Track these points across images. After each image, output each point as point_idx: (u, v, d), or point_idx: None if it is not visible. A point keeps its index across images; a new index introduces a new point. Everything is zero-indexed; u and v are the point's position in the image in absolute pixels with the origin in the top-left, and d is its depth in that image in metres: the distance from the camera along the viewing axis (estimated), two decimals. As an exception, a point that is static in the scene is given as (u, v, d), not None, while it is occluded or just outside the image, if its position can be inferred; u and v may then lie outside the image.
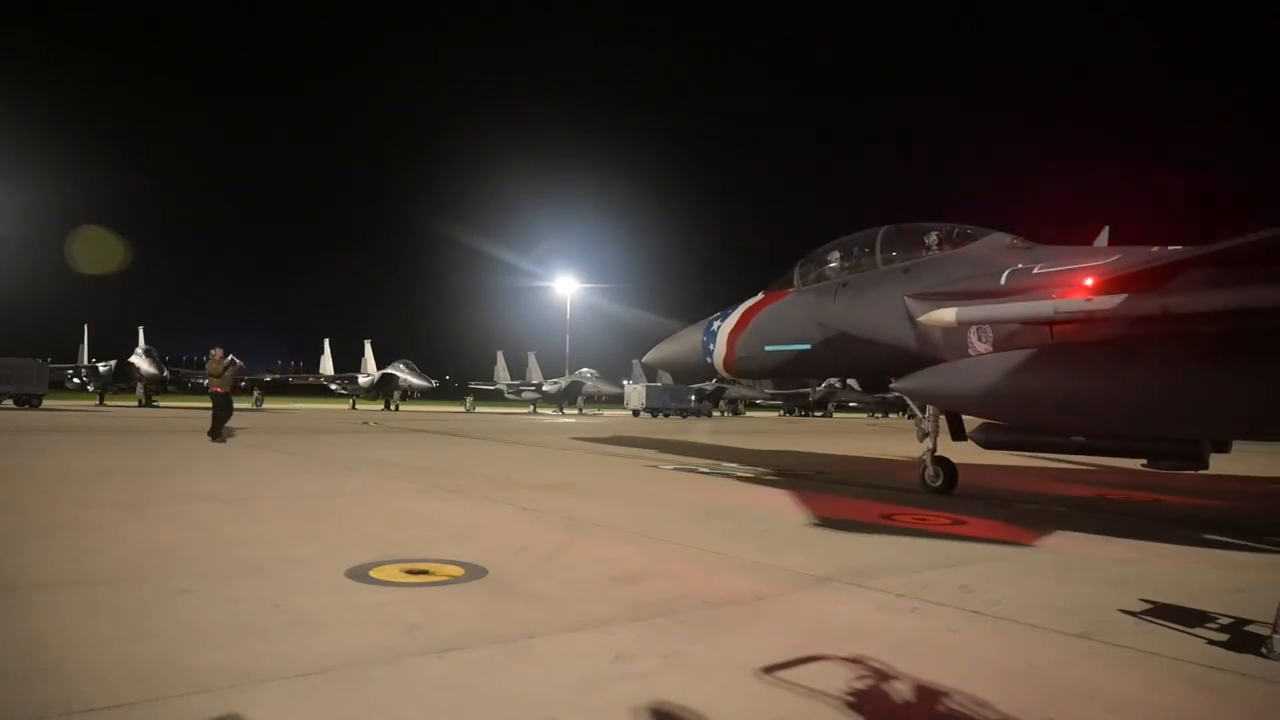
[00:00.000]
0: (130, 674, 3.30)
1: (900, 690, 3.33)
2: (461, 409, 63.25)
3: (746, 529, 7.70)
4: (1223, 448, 8.76)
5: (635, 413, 59.36)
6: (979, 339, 9.22)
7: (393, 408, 62.52)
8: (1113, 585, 5.43)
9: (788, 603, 4.83)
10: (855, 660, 3.66)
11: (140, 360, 55.72)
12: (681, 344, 14.15)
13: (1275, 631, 3.81)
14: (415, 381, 60.60)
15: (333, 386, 71.48)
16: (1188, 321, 7.23)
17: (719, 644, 3.93)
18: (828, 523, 8.33)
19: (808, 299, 11.61)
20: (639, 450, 19.13)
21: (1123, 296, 7.37)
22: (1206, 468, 8.40)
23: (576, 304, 73.30)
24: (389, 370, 62.29)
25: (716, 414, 67.12)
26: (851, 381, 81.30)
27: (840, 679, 3.42)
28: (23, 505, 8.16)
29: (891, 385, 10.04)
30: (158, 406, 50.22)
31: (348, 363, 73.91)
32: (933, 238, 10.73)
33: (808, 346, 11.51)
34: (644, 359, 15.87)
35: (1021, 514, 9.19)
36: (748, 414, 77.49)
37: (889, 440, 28.79)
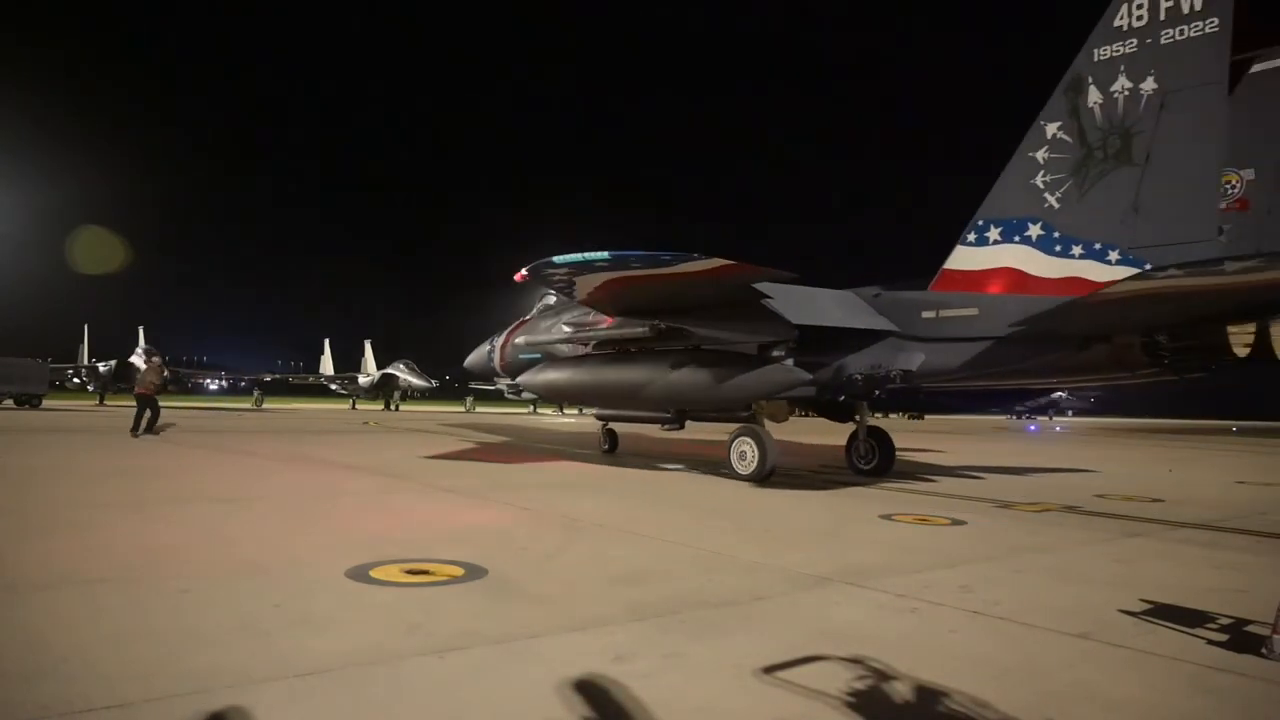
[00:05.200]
0: (130, 674, 3.30)
1: (900, 690, 3.33)
2: (461, 409, 63.23)
3: (745, 529, 7.70)
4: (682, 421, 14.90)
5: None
6: (517, 355, 17.13)
7: (393, 408, 62.55)
8: (1113, 585, 5.43)
9: (787, 603, 4.83)
10: (855, 660, 3.66)
11: (140, 360, 55.73)
12: (479, 353, 19.25)
13: (1275, 632, 3.81)
14: (415, 381, 60.59)
15: (333, 386, 71.50)
16: (640, 342, 13.76)
17: (719, 644, 3.93)
18: (827, 522, 8.34)
19: (529, 325, 17.68)
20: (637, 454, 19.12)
21: (610, 329, 14.18)
22: (683, 427, 14.94)
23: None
24: (389, 370, 62.31)
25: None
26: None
27: (840, 679, 3.42)
28: (23, 505, 8.16)
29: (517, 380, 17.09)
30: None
31: (348, 363, 73.96)
32: (548, 299, 17.55)
33: (537, 355, 16.57)
34: (465, 364, 20.30)
35: (1022, 514, 9.19)
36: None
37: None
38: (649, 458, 16.66)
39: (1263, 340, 9.78)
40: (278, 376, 77.62)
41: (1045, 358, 10.77)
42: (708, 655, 3.75)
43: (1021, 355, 10.81)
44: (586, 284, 11.93)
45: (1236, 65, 11.52)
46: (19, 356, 44.49)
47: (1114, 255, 10.24)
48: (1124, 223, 10.18)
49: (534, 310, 17.79)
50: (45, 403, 44.72)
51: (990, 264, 11.19)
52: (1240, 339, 9.82)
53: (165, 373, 22.36)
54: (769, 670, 3.53)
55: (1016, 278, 10.83)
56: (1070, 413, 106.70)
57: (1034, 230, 10.86)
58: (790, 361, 11.94)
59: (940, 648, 3.94)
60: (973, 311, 11.08)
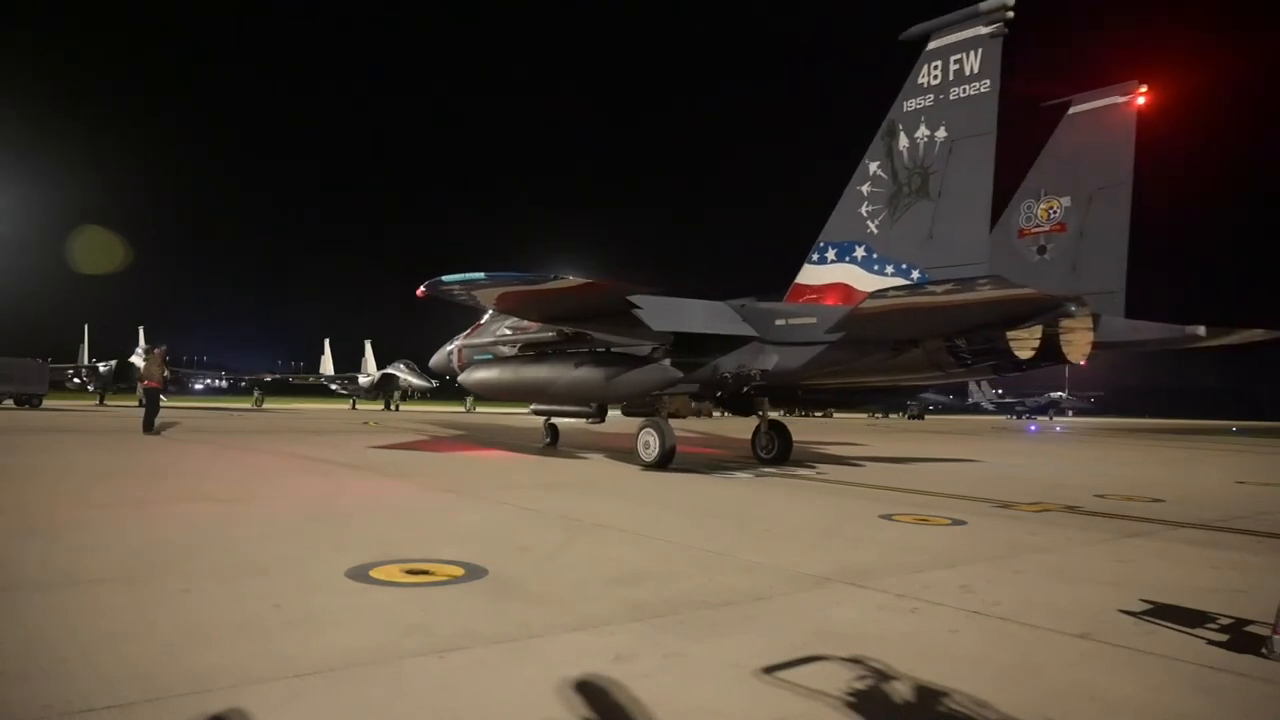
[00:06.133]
0: (131, 673, 3.30)
1: (900, 690, 3.33)
2: (462, 409, 63.21)
3: (746, 529, 7.70)
4: (604, 413, 17.50)
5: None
6: (472, 356, 19.16)
7: (393, 408, 62.54)
8: (1113, 585, 5.43)
9: (788, 603, 4.83)
10: (855, 660, 3.66)
11: (140, 360, 55.73)
12: (442, 353, 21.02)
13: (1275, 632, 3.81)
14: (415, 381, 60.56)
15: (333, 386, 71.49)
16: (551, 345, 16.37)
17: (719, 644, 3.93)
18: (828, 522, 8.34)
19: (481, 329, 19.56)
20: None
21: (530, 334, 16.87)
22: (604, 421, 17.66)
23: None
24: (389, 370, 62.30)
25: (716, 414, 67.02)
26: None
27: (840, 679, 3.42)
28: (23, 504, 8.16)
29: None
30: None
31: (348, 363, 73.93)
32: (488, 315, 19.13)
33: (489, 356, 18.62)
34: (430, 363, 22.04)
35: (1022, 515, 9.19)
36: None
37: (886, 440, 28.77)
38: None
39: (1050, 343, 11.61)
40: (278, 376, 77.60)
41: (869, 359, 12.77)
42: (708, 655, 3.75)
43: (849, 357, 12.85)
44: (485, 297, 13.98)
45: (1059, 107, 14.73)
46: (19, 356, 44.49)
47: (915, 274, 12.25)
48: (923, 247, 12.18)
49: (486, 315, 19.31)
50: (45, 403, 44.71)
51: (828, 280, 13.41)
52: (1024, 343, 11.59)
53: (166, 372, 22.23)
54: (769, 670, 3.53)
55: (846, 292, 12.94)
56: (1070, 413, 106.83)
57: (859, 252, 13.02)
58: (668, 362, 14.19)
59: (940, 648, 3.94)
60: (812, 320, 13.11)
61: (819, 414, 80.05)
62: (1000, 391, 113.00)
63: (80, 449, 16.14)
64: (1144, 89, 13.90)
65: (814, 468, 15.35)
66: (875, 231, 12.87)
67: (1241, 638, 4.17)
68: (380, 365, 66.05)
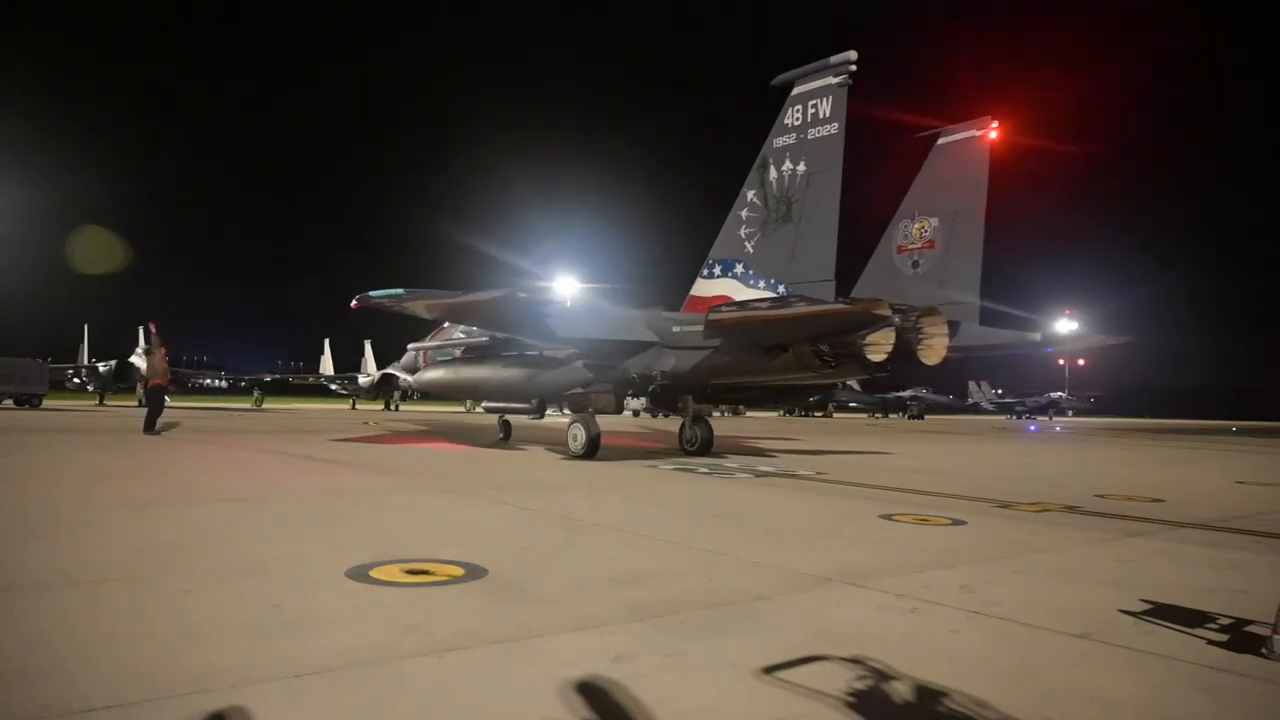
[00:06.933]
0: (131, 673, 3.30)
1: (901, 690, 3.33)
2: (461, 409, 63.20)
3: (746, 529, 7.70)
4: (544, 409, 18.49)
5: (635, 413, 59.26)
6: (435, 357, 21.10)
7: (393, 407, 62.55)
8: (1113, 585, 5.43)
9: (788, 603, 4.83)
10: (856, 660, 3.66)
11: (140, 360, 55.73)
12: (409, 355, 22.92)
13: (1275, 632, 3.81)
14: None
15: (333, 387, 71.52)
16: (488, 348, 18.78)
17: (719, 644, 3.93)
18: (828, 522, 8.34)
19: (443, 333, 21.35)
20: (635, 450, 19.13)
21: (471, 338, 19.47)
22: (542, 417, 18.87)
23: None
24: (389, 370, 62.25)
25: (716, 414, 66.98)
26: (852, 382, 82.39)
27: (841, 679, 3.42)
28: (23, 504, 8.17)
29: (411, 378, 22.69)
30: (158, 406, 50.02)
31: (348, 363, 73.91)
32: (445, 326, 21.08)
33: (448, 357, 20.62)
34: (400, 363, 24.29)
35: (1023, 514, 9.19)
36: (748, 414, 77.41)
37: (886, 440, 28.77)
38: (648, 459, 16.64)
39: (906, 348, 13.47)
40: (278, 376, 77.63)
41: (750, 362, 14.48)
42: (708, 655, 3.75)
43: (732, 360, 14.65)
44: (415, 308, 15.30)
45: (930, 138, 16.90)
46: (19, 356, 44.49)
47: (782, 289, 14.09)
48: (787, 266, 14.12)
49: (444, 326, 21.52)
50: (45, 403, 44.69)
51: (715, 292, 15.30)
52: (878, 348, 13.25)
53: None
54: (769, 670, 3.53)
55: (728, 303, 14.84)
56: (1070, 413, 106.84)
57: (739, 268, 15.02)
58: (581, 364, 16.45)
59: (940, 648, 3.94)
60: (699, 327, 14.73)
61: (819, 414, 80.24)
62: (1000, 391, 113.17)
63: (80, 449, 16.13)
64: (995, 124, 16.01)
65: (731, 455, 17.90)
66: (751, 251, 14.85)
67: (1242, 638, 4.17)
68: (380, 365, 66.05)
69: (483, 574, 5.28)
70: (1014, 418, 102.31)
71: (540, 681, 3.34)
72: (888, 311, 12.72)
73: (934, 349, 13.74)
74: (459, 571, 5.33)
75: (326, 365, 76.63)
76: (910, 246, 16.79)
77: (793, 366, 14.15)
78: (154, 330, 21.92)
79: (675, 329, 15.39)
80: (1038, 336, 15.96)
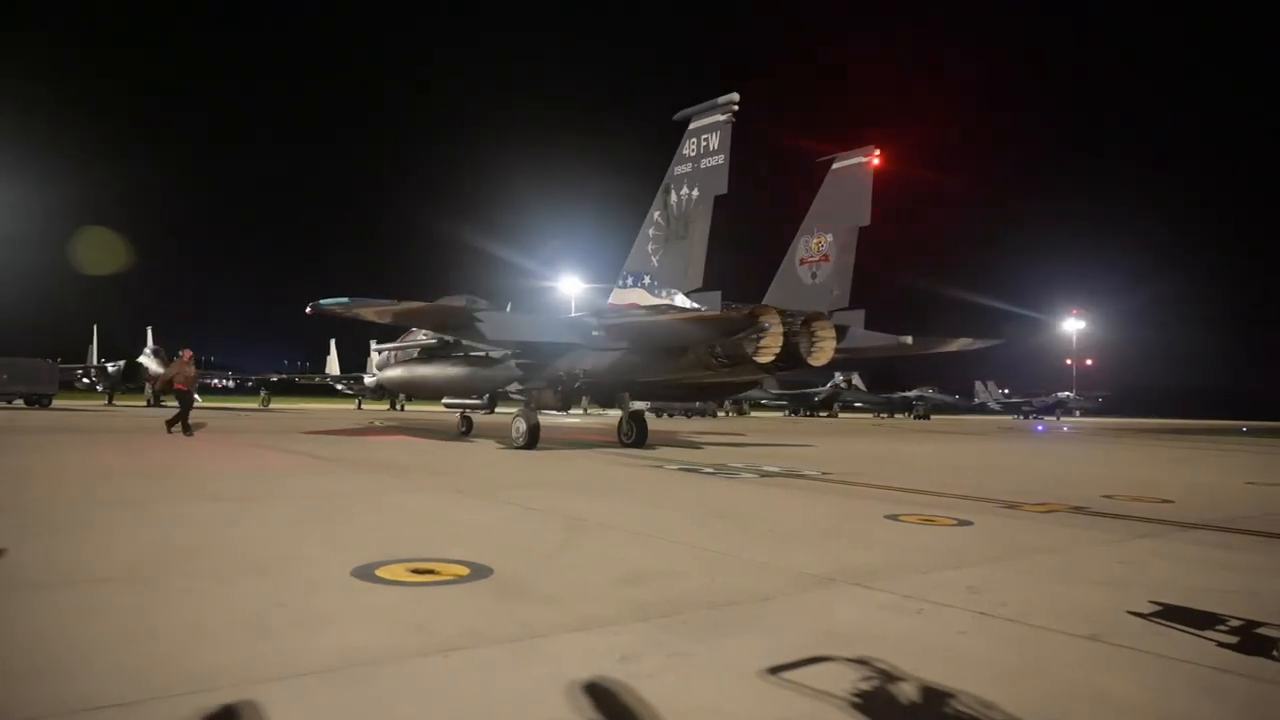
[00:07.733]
0: (133, 673, 3.29)
1: (906, 691, 3.30)
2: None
3: (750, 529, 7.67)
4: (494, 406, 21.93)
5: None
6: (390, 359, 24.00)
7: (398, 408, 62.64)
8: (1121, 587, 5.39)
9: (793, 603, 4.80)
10: (861, 661, 3.63)
11: (149, 360, 56.01)
12: (382, 358, 25.06)
13: (1286, 633, 3.77)
14: (421, 381, 60.58)
15: (339, 387, 71.64)
16: (437, 350, 21.57)
17: (724, 644, 3.91)
18: (832, 522, 8.30)
19: (411, 335, 23.12)
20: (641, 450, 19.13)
21: (424, 340, 22.16)
22: (493, 411, 23.73)
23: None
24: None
25: (721, 414, 66.99)
26: (857, 381, 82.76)
27: (846, 680, 3.40)
28: (26, 504, 8.19)
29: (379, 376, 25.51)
30: (166, 406, 50.29)
31: (353, 363, 74.04)
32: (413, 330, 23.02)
33: (410, 355, 22.62)
34: (374, 366, 26.98)
35: (1029, 515, 9.14)
36: (752, 414, 77.40)
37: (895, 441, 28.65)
38: (653, 459, 16.63)
39: (793, 350, 15.33)
40: (284, 376, 77.84)
41: (658, 362, 16.77)
42: (713, 655, 3.73)
43: (641, 360, 16.89)
44: (366, 314, 16.51)
45: (827, 163, 18.83)
46: (29, 357, 44.73)
47: (679, 298, 16.06)
48: (682, 278, 16.02)
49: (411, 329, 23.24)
50: (55, 403, 44.92)
51: (628, 300, 17.25)
52: (766, 350, 15.07)
53: (191, 370, 22.73)
54: (774, 671, 3.51)
55: (637, 310, 16.87)
56: (1077, 412, 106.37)
57: (647, 279, 16.94)
58: (513, 363, 18.74)
59: (947, 649, 3.91)
60: (604, 331, 16.91)
61: (824, 414, 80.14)
62: (1006, 391, 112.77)
63: (86, 448, 16.20)
64: (877, 152, 17.90)
65: (661, 447, 20.04)
66: (657, 265, 16.76)
67: (1251, 640, 4.13)
68: (386, 365, 66.10)
69: (488, 573, 5.27)
70: (1021, 418, 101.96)
71: (545, 681, 3.33)
72: (775, 318, 14.93)
73: (823, 351, 15.72)
74: (464, 571, 5.32)
75: (333, 365, 76.78)
76: (809, 260, 18.73)
77: (695, 365, 16.26)
78: (186, 356, 22.63)
79: (595, 333, 17.23)
80: (909, 340, 18.02)
